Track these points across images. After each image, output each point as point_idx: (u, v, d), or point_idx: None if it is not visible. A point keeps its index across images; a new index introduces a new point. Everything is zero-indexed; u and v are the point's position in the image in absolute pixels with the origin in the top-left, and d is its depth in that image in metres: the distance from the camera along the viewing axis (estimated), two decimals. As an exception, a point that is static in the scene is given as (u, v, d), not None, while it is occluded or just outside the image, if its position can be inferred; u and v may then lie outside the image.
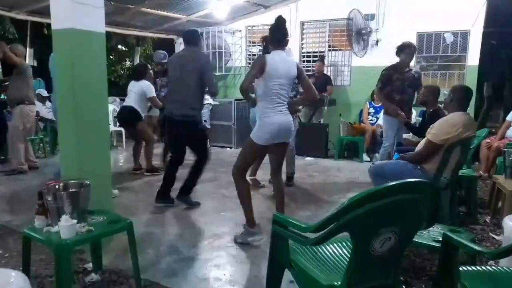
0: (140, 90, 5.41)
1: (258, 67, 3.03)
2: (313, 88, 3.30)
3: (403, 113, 4.73)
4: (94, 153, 2.92)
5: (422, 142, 3.48)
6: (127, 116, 5.46)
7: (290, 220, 1.83)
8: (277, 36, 3.21)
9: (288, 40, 3.28)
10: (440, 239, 2.03)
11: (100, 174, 2.94)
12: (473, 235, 2.64)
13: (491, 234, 3.42)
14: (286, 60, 3.18)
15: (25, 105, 5.42)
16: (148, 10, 7.10)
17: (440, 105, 4.44)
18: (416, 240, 2.18)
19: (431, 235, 2.32)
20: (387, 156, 4.90)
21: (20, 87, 5.35)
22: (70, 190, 2.39)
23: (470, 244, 1.68)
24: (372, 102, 7.02)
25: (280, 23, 3.24)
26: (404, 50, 4.92)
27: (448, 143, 3.23)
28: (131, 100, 5.43)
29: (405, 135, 4.99)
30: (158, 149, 6.00)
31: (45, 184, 2.47)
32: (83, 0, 2.85)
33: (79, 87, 2.85)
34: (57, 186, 2.44)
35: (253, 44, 8.66)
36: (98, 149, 2.96)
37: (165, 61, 5.96)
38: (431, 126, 3.38)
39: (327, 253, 1.98)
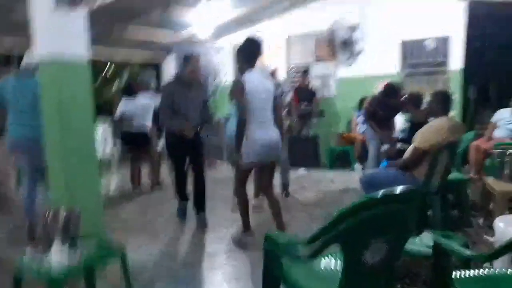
0: (146, 105, 5.48)
1: (239, 93, 3.11)
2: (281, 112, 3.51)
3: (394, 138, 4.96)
4: (84, 179, 2.91)
5: (410, 148, 3.52)
6: (141, 141, 5.51)
7: (282, 236, 1.83)
8: (246, 56, 3.27)
9: (259, 58, 3.31)
10: (432, 244, 2.05)
11: (91, 200, 2.93)
12: (465, 239, 2.64)
13: (484, 236, 3.44)
14: (262, 77, 3.27)
15: None
16: (134, 31, 7.15)
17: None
18: (409, 247, 2.19)
19: (423, 241, 2.33)
20: (375, 164, 4.97)
21: None
22: (61, 217, 2.37)
23: (459, 249, 1.70)
24: (360, 112, 7.08)
25: (247, 43, 3.30)
26: (391, 94, 5.06)
27: (435, 148, 3.27)
28: (140, 120, 5.49)
29: (384, 146, 5.08)
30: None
31: (33, 215, 2.46)
32: (66, 29, 2.88)
33: (65, 113, 2.86)
34: (46, 216, 2.42)
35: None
36: (87, 174, 2.95)
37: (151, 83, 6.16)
38: (416, 133, 3.43)
39: (321, 266, 1.98)
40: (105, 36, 6.98)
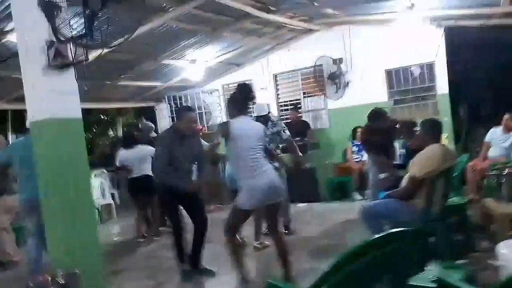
0: (149, 153, 5.50)
1: (220, 132, 3.18)
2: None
3: (391, 163, 4.97)
4: (82, 239, 2.89)
5: (406, 177, 3.53)
6: (148, 188, 5.40)
7: (283, 286, 1.81)
8: (237, 102, 3.31)
9: (250, 104, 3.40)
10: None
11: (90, 259, 2.89)
12: (470, 270, 2.62)
13: (490, 261, 3.39)
14: (251, 123, 3.33)
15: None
16: (125, 83, 7.31)
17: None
18: (413, 282, 2.16)
19: (427, 275, 2.30)
20: (377, 192, 4.95)
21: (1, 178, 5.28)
22: (59, 282, 2.34)
23: (462, 286, 1.68)
24: (354, 141, 7.13)
25: (239, 91, 3.38)
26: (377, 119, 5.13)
27: (431, 175, 3.29)
28: (144, 169, 5.50)
29: (381, 175, 5.07)
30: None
31: (35, 277, 2.43)
32: (57, 89, 2.94)
33: (61, 174, 2.87)
34: (45, 280, 2.39)
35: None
36: (85, 233, 2.93)
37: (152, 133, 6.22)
38: (411, 161, 3.46)
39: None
40: (96, 92, 7.13)
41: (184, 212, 4.02)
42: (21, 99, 6.28)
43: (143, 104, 9.22)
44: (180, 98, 9.05)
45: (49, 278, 2.39)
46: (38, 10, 2.80)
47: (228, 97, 3.43)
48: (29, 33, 2.87)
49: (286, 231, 5.10)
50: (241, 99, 3.31)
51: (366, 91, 7.18)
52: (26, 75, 2.94)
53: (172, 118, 8.25)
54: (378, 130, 5.12)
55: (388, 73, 7.31)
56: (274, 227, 3.41)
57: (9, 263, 5.01)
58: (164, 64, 6.95)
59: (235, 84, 8.46)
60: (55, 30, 2.84)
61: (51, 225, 2.88)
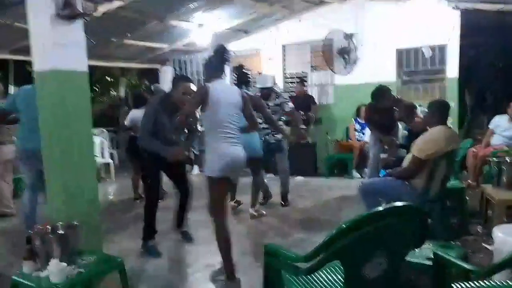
0: None
1: (199, 96, 2.96)
2: (255, 118, 3.23)
3: (396, 141, 4.95)
4: (82, 193, 2.89)
5: (408, 157, 3.52)
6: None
7: (281, 251, 1.83)
8: (213, 66, 3.09)
9: (225, 68, 3.13)
10: (432, 256, 2.05)
11: (89, 213, 2.91)
12: (465, 250, 2.66)
13: (484, 244, 3.44)
14: (229, 88, 3.13)
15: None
16: (131, 42, 7.18)
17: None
18: (409, 259, 2.19)
19: (423, 252, 2.33)
20: (375, 172, 4.98)
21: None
22: (59, 232, 2.36)
23: (460, 263, 1.70)
24: (358, 119, 7.10)
25: (216, 53, 3.11)
26: (380, 97, 5.05)
27: (433, 157, 3.28)
28: None
29: (382, 155, 5.07)
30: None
31: (33, 228, 2.44)
32: (64, 40, 2.88)
33: (64, 127, 2.84)
34: (45, 230, 2.41)
35: (239, 63, 8.75)
36: (85, 188, 2.93)
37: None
38: (414, 141, 3.44)
39: (322, 280, 1.98)
40: (101, 50, 7.01)
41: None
42: (24, 49, 6.24)
43: (148, 65, 9.10)
44: (185, 62, 8.93)
45: (49, 228, 2.40)
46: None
47: (205, 61, 3.21)
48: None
49: (283, 202, 5.19)
50: (216, 61, 3.08)
51: (375, 69, 7.07)
52: (33, 24, 2.86)
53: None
54: (381, 109, 5.09)
55: (399, 52, 7.17)
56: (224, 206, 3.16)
57: (4, 214, 5.06)
58: (171, 25, 6.79)
59: (242, 51, 8.42)
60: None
61: (52, 176, 2.88)
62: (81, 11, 2.84)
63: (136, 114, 5.60)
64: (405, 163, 3.53)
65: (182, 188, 3.96)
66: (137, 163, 5.70)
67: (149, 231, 3.78)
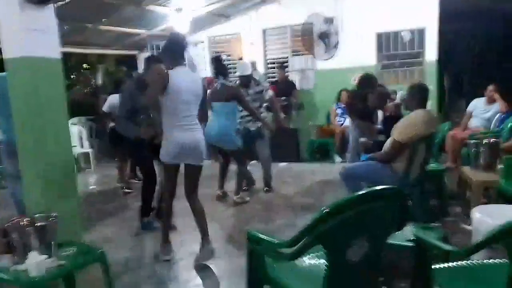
0: None
1: (159, 82, 2.91)
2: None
3: (375, 127, 4.96)
4: (59, 182, 2.83)
5: (388, 141, 3.55)
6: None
7: (263, 238, 1.82)
8: (172, 52, 3.06)
9: (185, 54, 3.09)
10: (413, 238, 2.08)
11: (67, 204, 2.85)
12: (445, 231, 2.70)
13: (462, 225, 3.52)
14: (191, 76, 3.08)
15: None
16: (107, 27, 6.98)
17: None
18: (390, 241, 2.22)
19: (404, 235, 2.36)
20: (356, 156, 5.01)
21: None
22: (36, 224, 2.29)
23: (440, 244, 1.72)
24: (339, 104, 7.12)
25: (172, 39, 3.12)
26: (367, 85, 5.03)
27: (413, 140, 3.31)
28: None
29: (361, 139, 5.11)
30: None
31: (9, 220, 2.37)
32: (35, 26, 2.77)
33: (37, 116, 2.76)
34: (22, 222, 2.33)
35: (216, 54, 8.66)
36: (62, 177, 2.86)
37: None
38: (394, 126, 3.46)
39: (305, 265, 1.99)
40: (76, 36, 6.80)
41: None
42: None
43: (125, 52, 8.89)
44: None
45: (26, 220, 2.33)
46: None
47: (164, 45, 3.16)
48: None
49: (267, 188, 5.19)
50: (177, 48, 3.06)
51: (355, 53, 7.10)
52: (1, 10, 2.74)
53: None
54: (365, 97, 5.10)
55: (379, 36, 7.19)
56: (192, 189, 3.21)
57: None
58: (148, 10, 6.63)
59: (221, 36, 8.31)
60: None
61: (26, 166, 2.80)
62: (52, -5, 2.73)
63: (114, 100, 5.47)
64: (386, 147, 3.55)
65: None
66: (122, 150, 5.60)
67: (146, 209, 3.89)
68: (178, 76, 2.94)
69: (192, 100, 3.03)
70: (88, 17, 6.38)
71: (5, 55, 2.80)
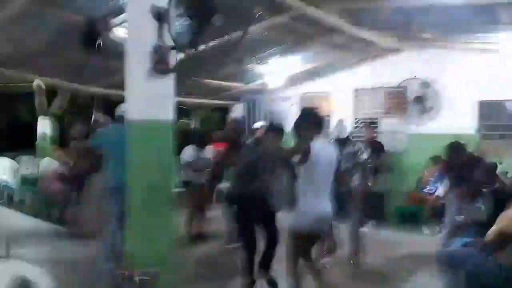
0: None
1: (302, 152, 3.09)
2: None
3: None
4: (159, 239, 3.02)
5: (494, 228, 3.26)
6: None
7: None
8: (307, 125, 3.23)
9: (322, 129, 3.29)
10: None
11: (166, 259, 3.01)
12: None
13: None
14: (329, 148, 3.28)
15: None
16: (209, 80, 7.51)
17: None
18: None
19: None
20: (451, 236, 4.63)
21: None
22: (135, 280, 2.43)
23: None
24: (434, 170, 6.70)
25: (310, 113, 3.34)
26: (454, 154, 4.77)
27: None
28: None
29: (458, 217, 4.67)
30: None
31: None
32: (155, 91, 3.09)
33: (149, 173, 3.03)
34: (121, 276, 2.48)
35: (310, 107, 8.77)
36: (163, 235, 3.06)
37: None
38: (503, 214, 3.19)
39: None
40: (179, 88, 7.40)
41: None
42: (109, 84, 6.70)
43: (221, 102, 9.45)
44: (255, 101, 9.12)
45: (125, 276, 2.49)
46: (149, 17, 2.94)
47: (298, 119, 3.31)
48: (139, 38, 3.05)
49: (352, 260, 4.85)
50: (314, 122, 3.25)
51: (452, 120, 6.78)
52: (129, 77, 3.13)
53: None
54: (458, 166, 4.76)
55: (480, 104, 6.81)
56: (311, 255, 3.35)
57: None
58: (247, 67, 7.06)
59: (313, 94, 8.45)
60: (162, 37, 2.98)
61: (133, 220, 3.05)
62: (173, 66, 3.06)
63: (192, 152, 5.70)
64: (490, 235, 3.26)
65: (270, 232, 3.93)
66: (195, 196, 5.67)
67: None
68: (320, 149, 3.12)
69: (330, 171, 3.21)
70: (195, 71, 6.94)
71: (129, 117, 3.15)
